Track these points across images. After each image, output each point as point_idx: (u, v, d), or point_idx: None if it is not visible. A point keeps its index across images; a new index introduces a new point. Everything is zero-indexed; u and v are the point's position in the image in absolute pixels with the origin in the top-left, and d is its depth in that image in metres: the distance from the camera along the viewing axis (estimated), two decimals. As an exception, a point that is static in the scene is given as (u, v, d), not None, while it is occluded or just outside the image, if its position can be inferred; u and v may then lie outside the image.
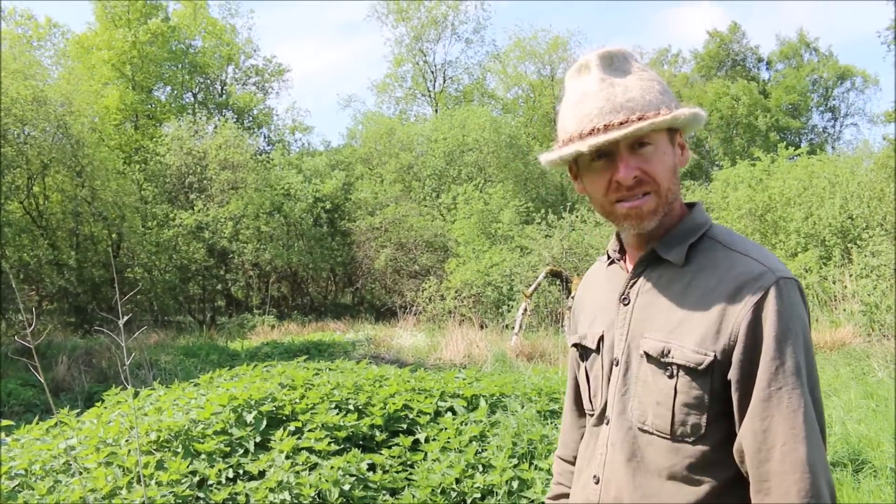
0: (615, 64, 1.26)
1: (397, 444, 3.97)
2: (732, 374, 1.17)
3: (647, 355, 1.25)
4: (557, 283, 14.28)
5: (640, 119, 1.19)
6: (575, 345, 1.46)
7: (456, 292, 16.88)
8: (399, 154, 23.93)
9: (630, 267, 1.35)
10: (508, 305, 15.02)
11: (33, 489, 3.33)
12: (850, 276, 12.23)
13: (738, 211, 15.90)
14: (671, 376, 1.22)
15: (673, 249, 1.27)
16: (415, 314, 16.77)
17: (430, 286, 17.80)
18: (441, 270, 18.93)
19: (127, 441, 3.71)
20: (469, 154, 23.34)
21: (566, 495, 1.53)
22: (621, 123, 1.20)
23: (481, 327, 13.98)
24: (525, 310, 12.79)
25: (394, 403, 4.32)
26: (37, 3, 40.46)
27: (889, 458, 4.46)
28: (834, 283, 12.52)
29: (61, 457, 3.63)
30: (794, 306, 1.17)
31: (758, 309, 1.15)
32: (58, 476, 3.48)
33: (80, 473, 3.38)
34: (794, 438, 1.12)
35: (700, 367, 1.19)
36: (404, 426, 4.27)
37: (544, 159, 1.30)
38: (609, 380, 1.33)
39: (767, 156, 18.36)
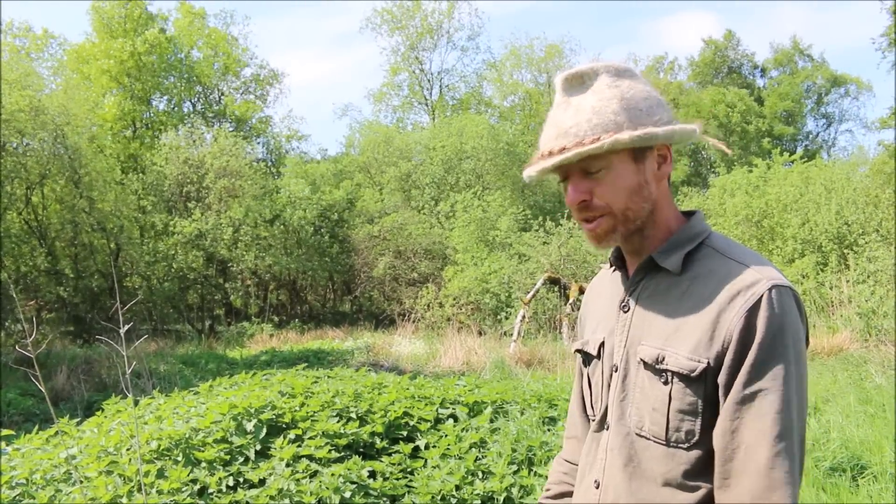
0: (585, 82, 1.28)
1: (397, 452, 3.98)
2: (721, 378, 1.18)
3: (644, 362, 1.27)
4: (555, 289, 14.30)
5: (577, 145, 1.21)
6: (578, 350, 1.49)
7: (454, 299, 16.90)
8: (398, 163, 24.01)
9: (631, 274, 1.37)
10: (507, 312, 15.02)
11: (34, 498, 3.33)
12: (848, 281, 12.26)
13: (735, 217, 15.95)
14: (666, 383, 1.23)
15: (670, 257, 1.29)
16: (413, 322, 16.77)
17: (428, 293, 17.81)
18: (439, 278, 18.95)
19: (128, 450, 3.72)
20: (467, 162, 23.40)
21: (570, 494, 1.53)
22: (561, 150, 1.23)
23: (480, 334, 13.99)
24: (523, 317, 12.81)
25: (394, 411, 4.33)
26: (34, 14, 40.58)
27: (889, 463, 4.47)
28: (831, 288, 12.55)
29: (62, 466, 3.63)
30: (787, 314, 1.17)
31: (750, 316, 1.16)
32: (58, 485, 3.48)
33: (81, 482, 3.38)
34: (758, 442, 1.13)
35: (693, 374, 1.20)
36: (405, 433, 4.28)
37: (524, 174, 1.33)
38: (609, 386, 1.35)
39: (763, 162, 18.44)
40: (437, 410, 4.50)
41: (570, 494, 1.54)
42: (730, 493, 1.15)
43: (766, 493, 1.12)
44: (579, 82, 1.28)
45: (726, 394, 1.18)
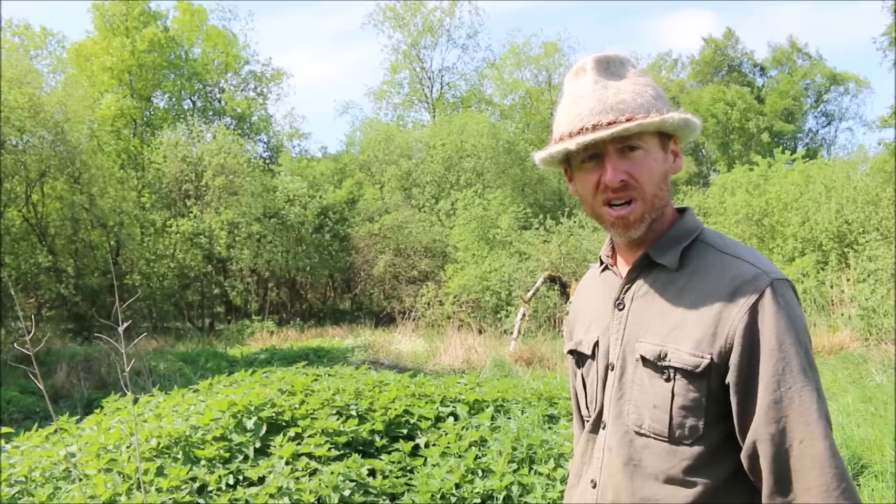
0: (611, 68, 1.28)
1: (397, 450, 3.97)
2: (731, 378, 1.17)
3: (644, 359, 1.25)
4: (555, 288, 14.29)
5: (628, 120, 1.21)
6: (571, 351, 1.47)
7: (454, 298, 16.89)
8: (398, 161, 23.98)
9: (623, 272, 1.35)
10: (507, 311, 15.02)
11: (33, 496, 3.32)
12: (848, 280, 12.25)
13: (736, 216, 15.94)
14: (668, 379, 1.22)
15: (666, 254, 1.28)
16: (413, 320, 16.76)
17: (428, 291, 17.80)
18: (440, 276, 18.94)
19: (127, 448, 3.71)
20: (468, 160, 23.38)
21: None
22: (609, 123, 1.21)
23: (480, 332, 13.98)
24: (523, 315, 12.80)
25: (395, 409, 4.32)
26: (34, 11, 40.56)
27: (890, 463, 4.47)
28: (831, 287, 12.54)
29: (61, 463, 3.62)
30: (791, 307, 1.18)
31: (754, 311, 1.16)
32: (58, 483, 3.47)
33: (80, 480, 3.37)
34: (811, 435, 1.12)
35: (697, 370, 1.19)
36: (405, 431, 4.27)
37: (537, 158, 1.32)
38: (604, 385, 1.34)
39: (765, 160, 18.42)
40: (437, 409, 4.48)
41: None
42: (798, 492, 1.13)
43: (835, 482, 1.11)
44: (613, 66, 1.29)
45: (740, 392, 1.17)
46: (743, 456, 1.19)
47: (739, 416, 1.18)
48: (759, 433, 1.16)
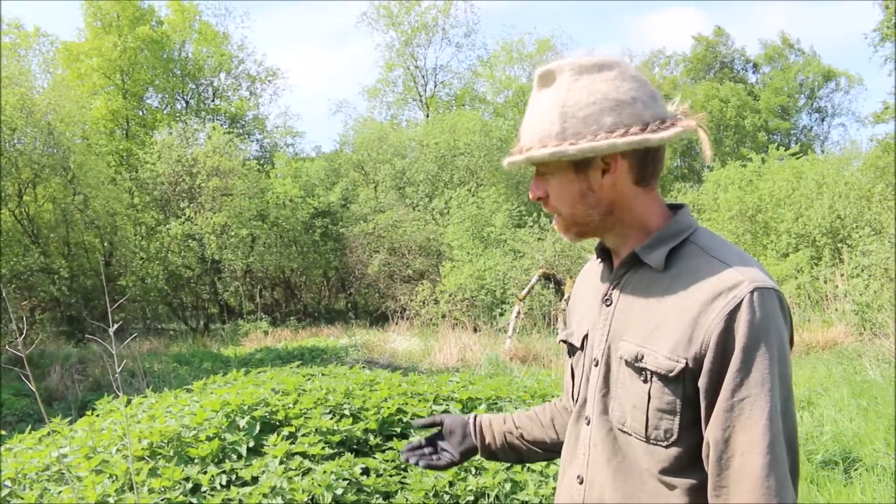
0: (549, 82, 1.29)
1: (391, 448, 3.97)
2: (701, 383, 1.17)
3: (625, 360, 1.26)
4: (550, 286, 14.31)
5: (519, 151, 1.28)
6: (563, 341, 1.48)
7: (449, 296, 16.89)
8: (392, 160, 23.97)
9: (615, 267, 1.35)
10: (502, 309, 15.03)
11: (22, 498, 3.31)
12: (842, 275, 12.30)
13: (729, 212, 15.98)
14: (645, 381, 1.22)
15: (653, 253, 1.26)
16: (408, 319, 16.76)
17: (423, 290, 17.81)
18: (434, 275, 18.94)
19: (118, 450, 3.70)
20: (461, 158, 23.39)
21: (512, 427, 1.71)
22: (519, 151, 1.29)
23: (475, 331, 13.99)
24: (518, 313, 12.81)
25: (388, 408, 4.32)
26: (26, 11, 40.38)
27: (882, 456, 4.49)
28: (825, 282, 12.59)
29: (53, 465, 3.61)
30: (769, 317, 1.15)
31: (730, 319, 1.14)
32: (47, 485, 3.46)
33: (72, 482, 3.36)
34: (752, 449, 1.11)
35: (671, 374, 1.19)
36: (398, 430, 4.27)
37: (505, 163, 1.36)
38: (588, 379, 1.34)
39: (758, 156, 18.48)
40: (430, 407, 4.48)
41: (515, 434, 1.72)
42: (728, 501, 1.14)
43: (765, 500, 1.11)
44: (546, 80, 1.29)
45: (708, 398, 1.17)
46: (703, 455, 1.19)
47: (704, 421, 1.18)
48: (708, 436, 1.17)
